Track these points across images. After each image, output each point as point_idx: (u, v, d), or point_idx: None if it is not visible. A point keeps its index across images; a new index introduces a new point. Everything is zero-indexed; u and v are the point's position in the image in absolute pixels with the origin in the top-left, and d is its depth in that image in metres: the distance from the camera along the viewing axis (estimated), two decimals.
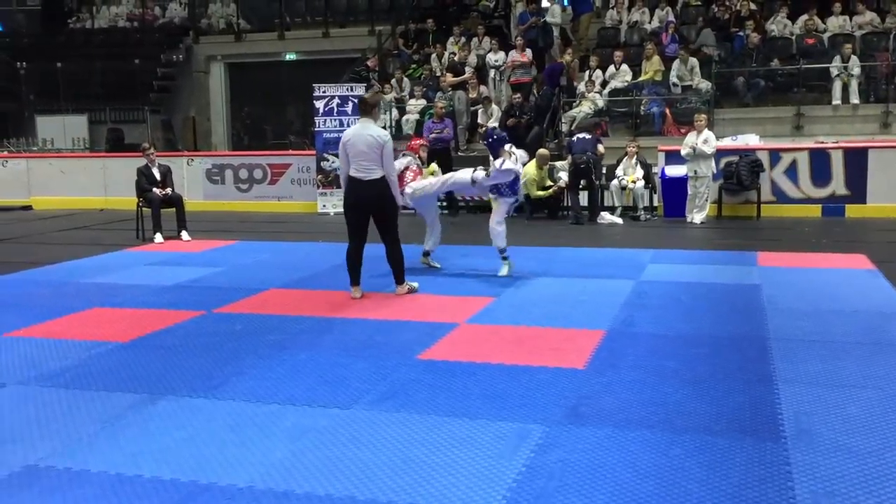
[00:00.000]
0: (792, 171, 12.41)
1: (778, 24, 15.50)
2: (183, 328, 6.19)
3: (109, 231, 12.35)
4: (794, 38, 15.12)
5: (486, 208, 13.28)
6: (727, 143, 12.78)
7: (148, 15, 22.93)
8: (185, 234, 11.03)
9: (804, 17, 15.23)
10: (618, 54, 15.05)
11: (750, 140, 13.03)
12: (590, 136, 12.29)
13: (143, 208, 11.34)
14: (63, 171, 15.98)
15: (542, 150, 12.60)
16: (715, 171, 11.97)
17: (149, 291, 7.61)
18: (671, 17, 15.99)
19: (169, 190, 11.33)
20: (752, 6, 15.71)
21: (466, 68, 15.76)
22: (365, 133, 6.94)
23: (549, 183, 12.51)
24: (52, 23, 23.51)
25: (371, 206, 7.02)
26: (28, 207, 15.55)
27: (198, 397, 4.60)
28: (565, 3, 16.40)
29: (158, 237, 10.90)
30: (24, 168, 16.16)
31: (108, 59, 21.23)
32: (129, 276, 8.48)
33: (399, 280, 7.28)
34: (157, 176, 11.37)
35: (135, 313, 6.73)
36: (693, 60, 14.27)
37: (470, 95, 15.12)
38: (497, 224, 8.02)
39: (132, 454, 3.82)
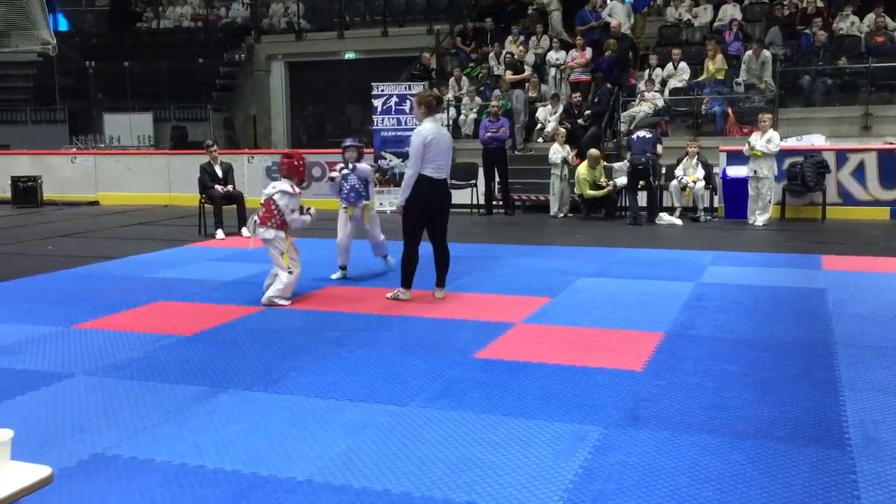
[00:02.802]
0: (859, 173, 12.08)
1: (845, 22, 15.08)
2: (243, 323, 6.31)
3: (173, 227, 12.64)
4: (862, 36, 14.70)
5: (543, 208, 13.28)
6: (792, 143, 12.49)
7: (212, 15, 23.41)
8: (245, 231, 11.20)
9: (872, 14, 14.80)
10: (675, 52, 14.82)
11: (815, 140, 12.72)
12: (650, 135, 12.11)
13: (206, 205, 11.59)
14: (129, 167, 16.43)
15: (592, 150, 12.49)
16: (777, 172, 11.72)
17: (211, 286, 7.77)
18: (736, 15, 15.69)
19: (230, 187, 11.54)
20: (819, 3, 15.33)
21: (525, 67, 15.71)
22: (443, 132, 7.00)
23: (603, 181, 12.42)
24: (120, 23, 24.16)
25: (444, 207, 7.02)
26: (95, 203, 16.01)
27: (258, 391, 4.69)
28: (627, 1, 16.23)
29: (220, 233, 11.13)
30: (91, 164, 16.66)
31: (173, 59, 21.76)
32: (192, 271, 8.67)
33: (444, 283, 7.18)
34: (220, 173, 11.59)
35: (197, 307, 6.87)
36: (766, 54, 13.90)
37: (530, 94, 15.08)
38: (380, 233, 8.17)
39: (195, 445, 3.90)
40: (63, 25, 25.19)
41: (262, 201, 7.21)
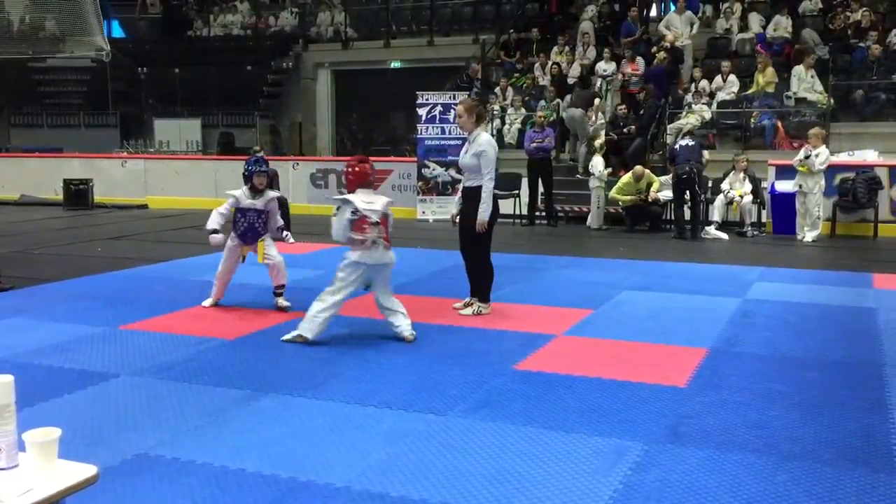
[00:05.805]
0: None
1: None
2: (285, 328, 6.34)
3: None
4: None
5: (586, 220, 13.18)
6: (843, 158, 12.24)
7: (261, 24, 23.77)
8: (289, 237, 11.30)
9: None
10: (725, 65, 14.64)
11: (868, 156, 12.45)
12: (693, 143, 11.84)
13: None
14: (177, 172, 16.72)
15: (637, 167, 12.35)
16: (824, 188, 11.46)
17: (254, 291, 7.85)
18: (788, 27, 15.45)
19: (275, 193, 11.64)
20: (874, 16, 15.02)
21: (569, 79, 15.65)
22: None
23: (645, 195, 12.32)
24: (172, 31, 24.66)
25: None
26: (144, 206, 16.31)
27: (298, 396, 4.72)
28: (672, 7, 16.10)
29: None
30: (141, 168, 17.01)
31: (222, 66, 22.14)
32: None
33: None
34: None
35: (240, 311, 6.96)
36: (811, 72, 13.72)
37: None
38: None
39: (236, 447, 3.94)
40: (117, 32, 25.78)
41: (377, 220, 5.80)
